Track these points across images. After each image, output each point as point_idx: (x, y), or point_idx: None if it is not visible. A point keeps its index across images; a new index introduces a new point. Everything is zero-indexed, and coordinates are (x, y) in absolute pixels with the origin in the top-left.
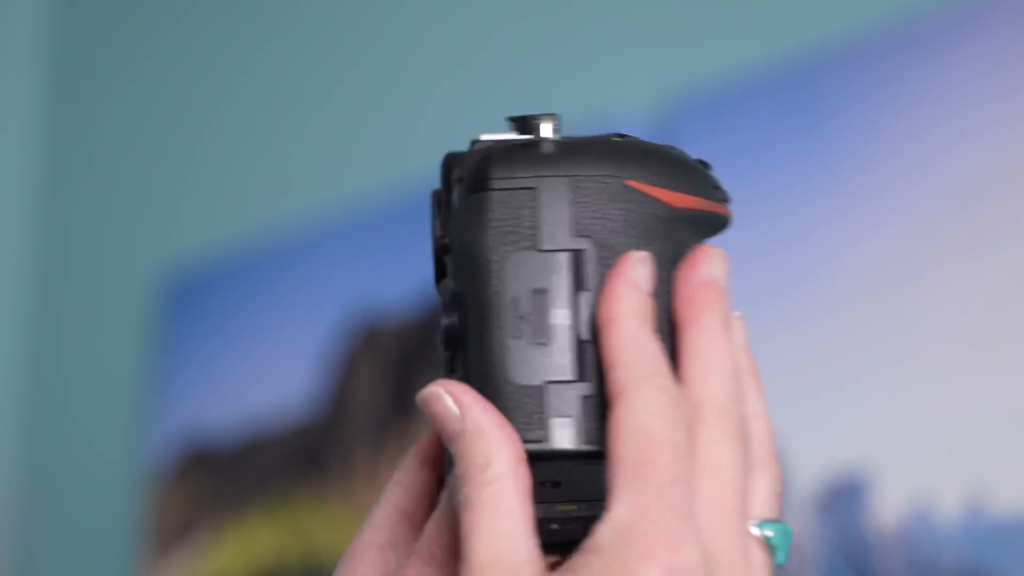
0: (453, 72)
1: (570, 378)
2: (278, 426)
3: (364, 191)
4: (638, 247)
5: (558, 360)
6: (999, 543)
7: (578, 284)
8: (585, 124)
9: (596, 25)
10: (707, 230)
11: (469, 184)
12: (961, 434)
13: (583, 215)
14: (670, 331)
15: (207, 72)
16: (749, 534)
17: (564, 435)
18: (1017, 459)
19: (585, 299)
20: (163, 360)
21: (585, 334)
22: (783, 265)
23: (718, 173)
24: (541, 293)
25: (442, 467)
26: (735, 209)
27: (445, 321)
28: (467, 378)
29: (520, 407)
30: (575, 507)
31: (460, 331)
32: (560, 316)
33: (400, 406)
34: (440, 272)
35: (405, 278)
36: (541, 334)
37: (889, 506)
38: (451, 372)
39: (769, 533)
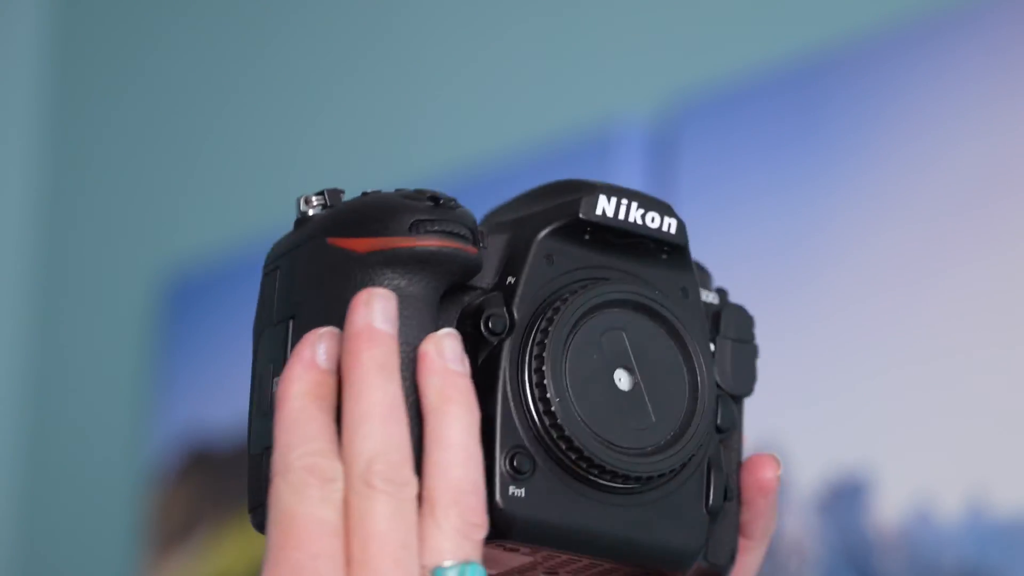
0: (454, 75)
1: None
2: None
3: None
4: (335, 303)
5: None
6: (1000, 543)
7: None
8: (585, 125)
9: (597, 27)
10: (420, 268)
11: None
12: (963, 434)
13: (297, 283)
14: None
15: (208, 73)
16: None
17: None
18: (1019, 459)
19: None
20: (164, 360)
21: None
22: (783, 266)
23: (718, 174)
24: (268, 366)
25: None
26: (735, 209)
27: None
28: None
29: (254, 475)
30: None
31: None
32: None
33: None
34: None
35: None
36: (265, 405)
37: (890, 506)
38: None
39: None
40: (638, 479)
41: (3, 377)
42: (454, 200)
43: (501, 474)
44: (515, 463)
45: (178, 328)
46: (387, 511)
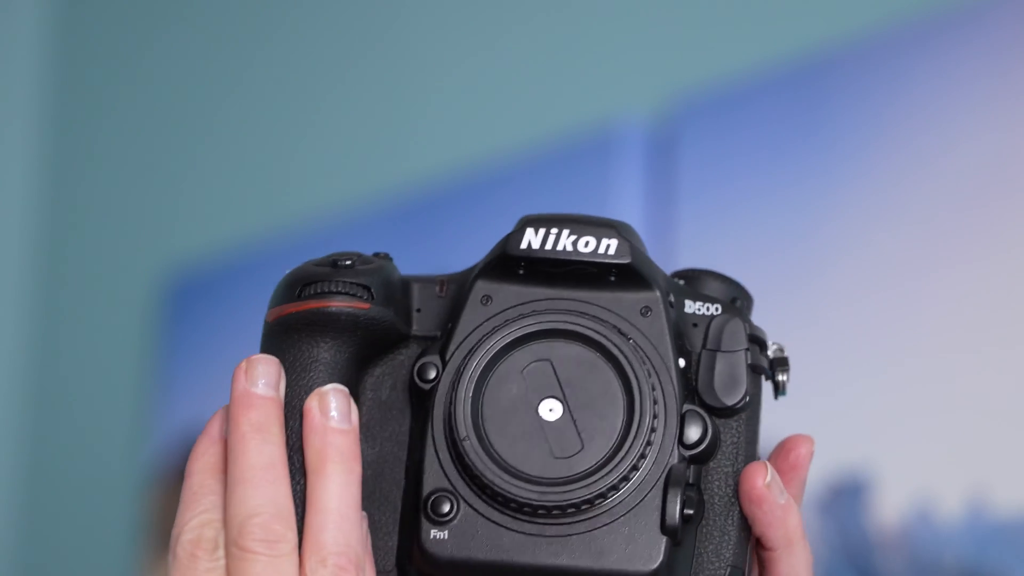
0: (454, 75)
1: None
2: None
3: (364, 191)
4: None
5: None
6: (1000, 543)
7: None
8: (585, 125)
9: (597, 28)
10: (313, 330)
11: None
12: (963, 434)
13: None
14: None
15: (208, 73)
16: None
17: None
18: (1018, 459)
19: None
20: (165, 360)
21: None
22: (783, 266)
23: (717, 174)
24: None
25: None
26: (735, 209)
27: None
28: None
29: None
30: None
31: None
32: None
33: None
34: None
35: None
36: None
37: (891, 506)
38: None
39: None
40: (556, 508)
41: (4, 377)
42: (363, 259)
43: (424, 519)
44: (434, 507)
45: (179, 328)
46: (259, 570)
